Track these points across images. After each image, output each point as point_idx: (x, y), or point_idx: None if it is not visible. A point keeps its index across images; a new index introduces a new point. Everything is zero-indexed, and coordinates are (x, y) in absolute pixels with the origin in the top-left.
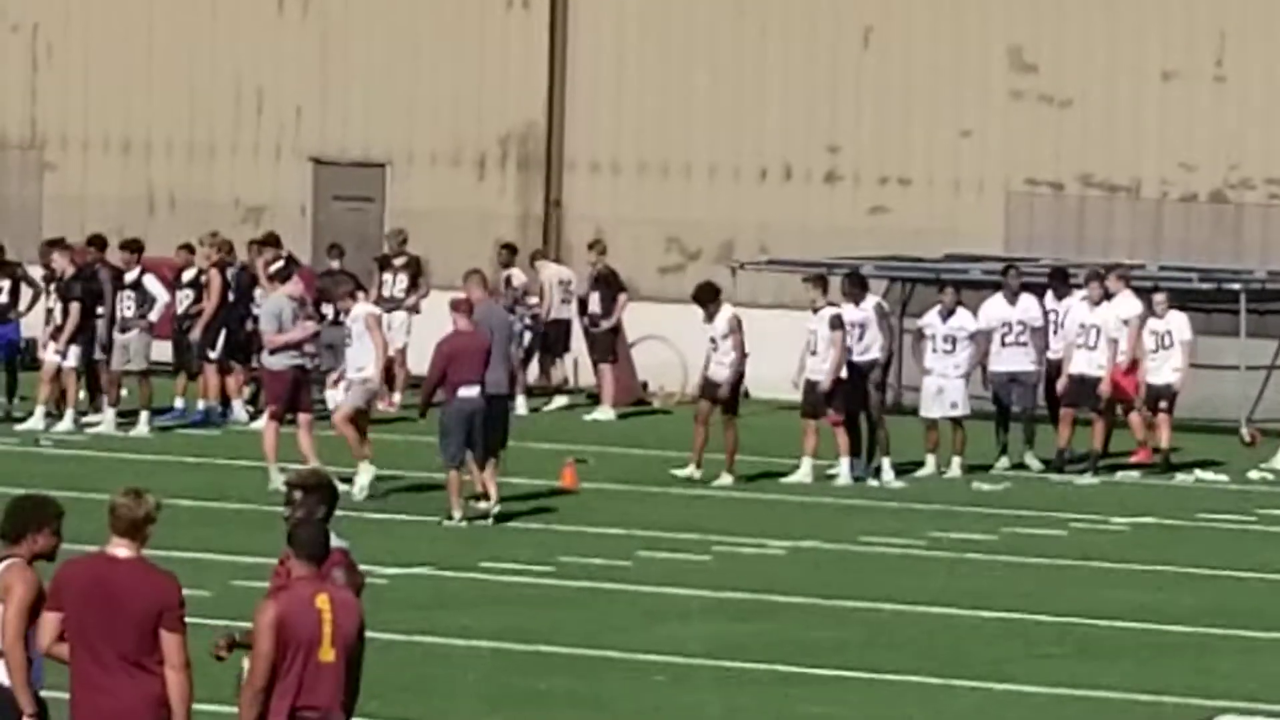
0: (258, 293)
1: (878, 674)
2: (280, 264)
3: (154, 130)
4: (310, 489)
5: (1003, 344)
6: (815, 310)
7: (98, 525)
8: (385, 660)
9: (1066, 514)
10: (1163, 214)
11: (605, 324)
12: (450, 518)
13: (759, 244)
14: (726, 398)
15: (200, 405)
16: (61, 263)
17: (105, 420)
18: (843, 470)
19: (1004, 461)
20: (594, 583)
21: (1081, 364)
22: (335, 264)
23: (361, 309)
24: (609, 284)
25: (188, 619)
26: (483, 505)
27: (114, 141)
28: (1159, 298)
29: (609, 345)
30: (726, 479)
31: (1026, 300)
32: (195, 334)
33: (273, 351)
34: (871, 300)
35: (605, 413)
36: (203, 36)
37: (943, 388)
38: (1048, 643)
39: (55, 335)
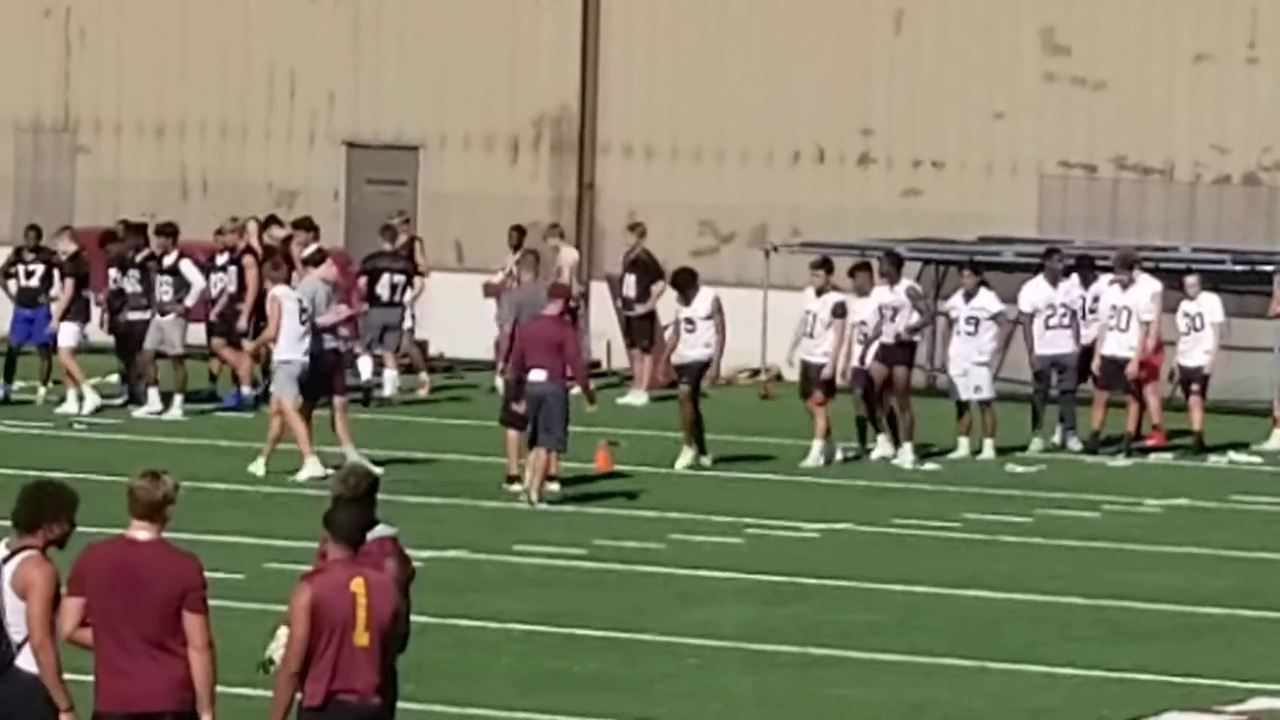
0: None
1: (911, 656)
2: (313, 248)
3: (187, 114)
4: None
5: (1046, 326)
6: (819, 293)
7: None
8: (419, 643)
9: (1099, 496)
10: (1196, 196)
11: (640, 308)
12: (535, 499)
13: (792, 227)
14: (695, 376)
15: (246, 389)
16: (64, 244)
17: (149, 403)
18: (813, 452)
19: (1038, 443)
20: (627, 565)
21: (1114, 346)
22: (388, 245)
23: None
24: (646, 268)
25: (219, 601)
26: (515, 488)
27: (147, 125)
28: (1191, 280)
29: (645, 330)
30: (688, 456)
31: (1068, 283)
32: (242, 321)
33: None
34: (905, 283)
35: (639, 396)
36: (236, 20)
37: (966, 371)
38: (1081, 625)
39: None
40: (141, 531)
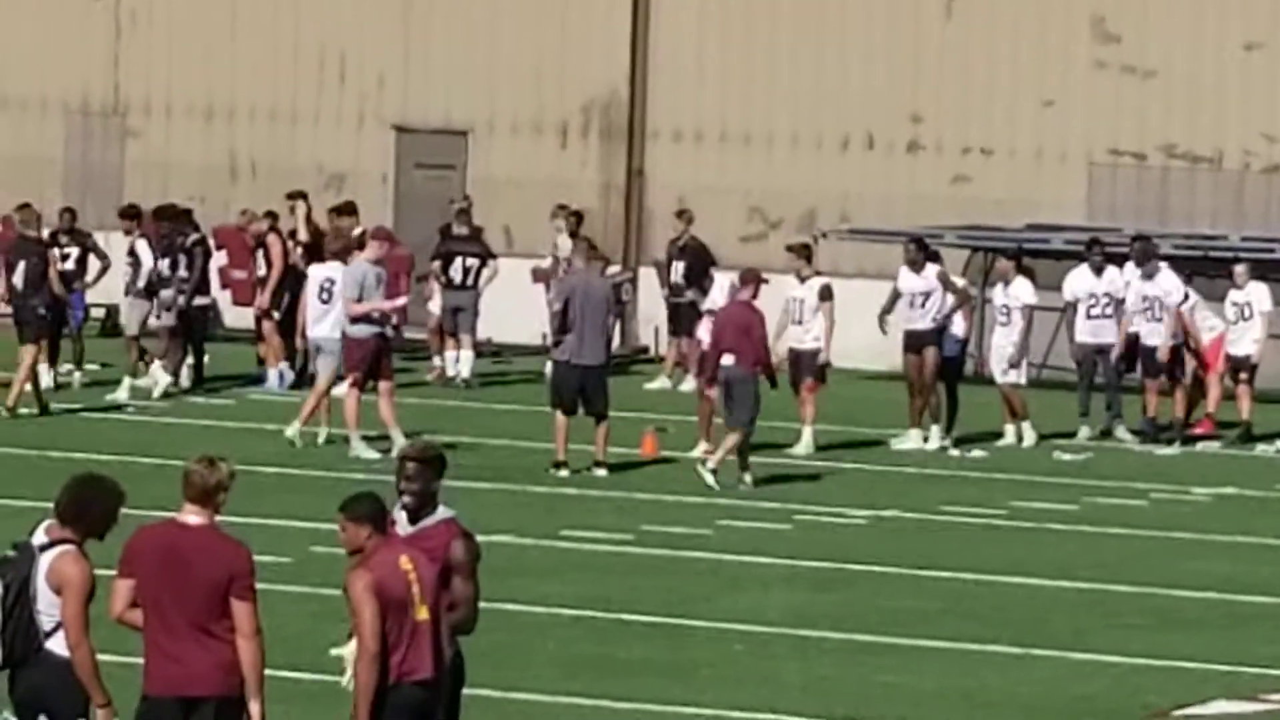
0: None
1: (957, 643)
2: (359, 231)
3: (237, 97)
4: (425, 461)
5: (1088, 316)
6: (802, 279)
7: (176, 490)
8: None
9: (1147, 484)
10: (1245, 184)
11: (689, 295)
12: (743, 481)
13: (841, 213)
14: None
15: (271, 370)
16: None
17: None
18: (805, 439)
19: (1085, 431)
20: (674, 551)
21: (1151, 335)
22: (465, 230)
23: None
24: (695, 255)
25: (266, 585)
26: (563, 473)
27: (197, 108)
28: (1240, 269)
29: (692, 317)
30: (703, 446)
31: (1111, 272)
32: (263, 299)
33: (354, 320)
34: (934, 269)
35: (684, 383)
36: (286, 3)
37: (1003, 356)
38: (1127, 612)
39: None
40: (193, 516)
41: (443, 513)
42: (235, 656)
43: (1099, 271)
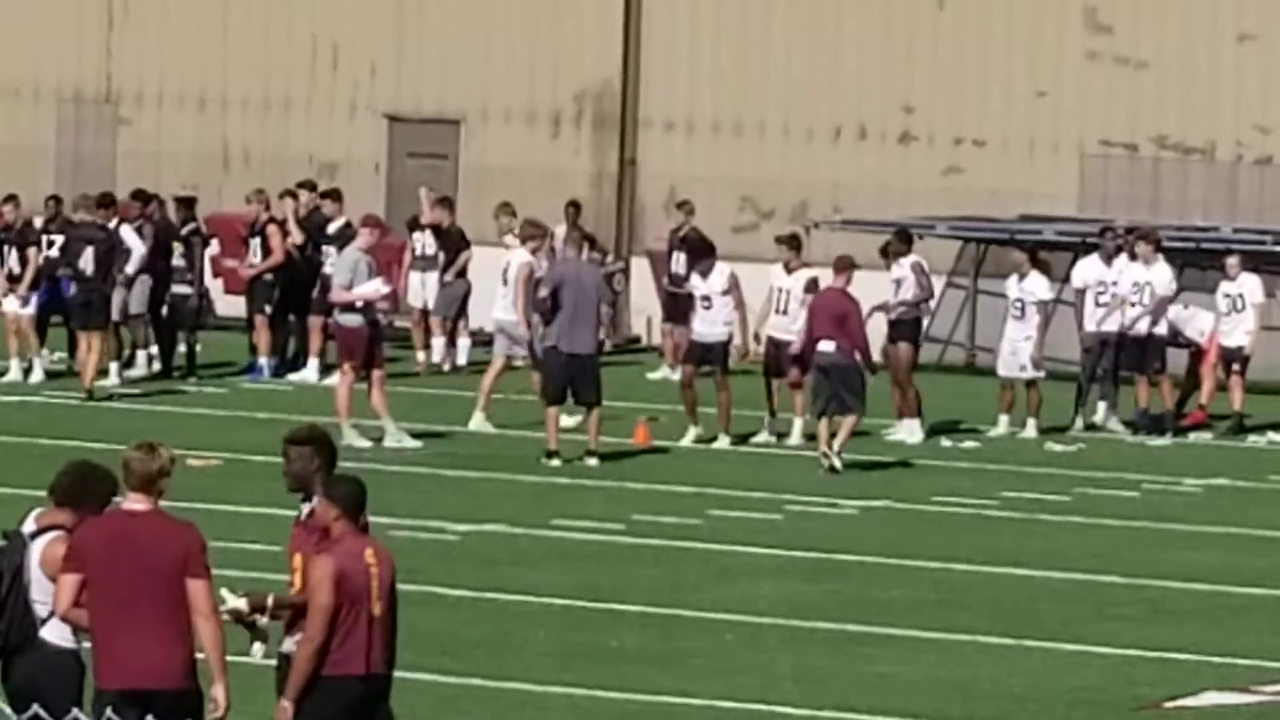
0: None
1: (949, 634)
2: (342, 221)
3: (229, 86)
4: (302, 442)
5: (1096, 304)
6: (789, 270)
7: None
8: (457, 616)
9: (1139, 475)
10: (1237, 176)
11: (688, 286)
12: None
13: (833, 204)
14: (722, 358)
15: (262, 360)
16: (13, 214)
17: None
18: (795, 431)
19: (1079, 422)
20: (666, 541)
21: (1138, 324)
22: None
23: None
24: (695, 246)
25: (257, 574)
26: (555, 462)
27: (189, 97)
28: (1232, 260)
29: (690, 307)
30: (724, 440)
31: (1121, 261)
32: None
33: (344, 308)
34: (911, 258)
35: (677, 372)
36: None
37: (1016, 350)
38: (1119, 604)
39: (12, 285)
40: (138, 504)
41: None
42: (190, 650)
43: (1110, 259)
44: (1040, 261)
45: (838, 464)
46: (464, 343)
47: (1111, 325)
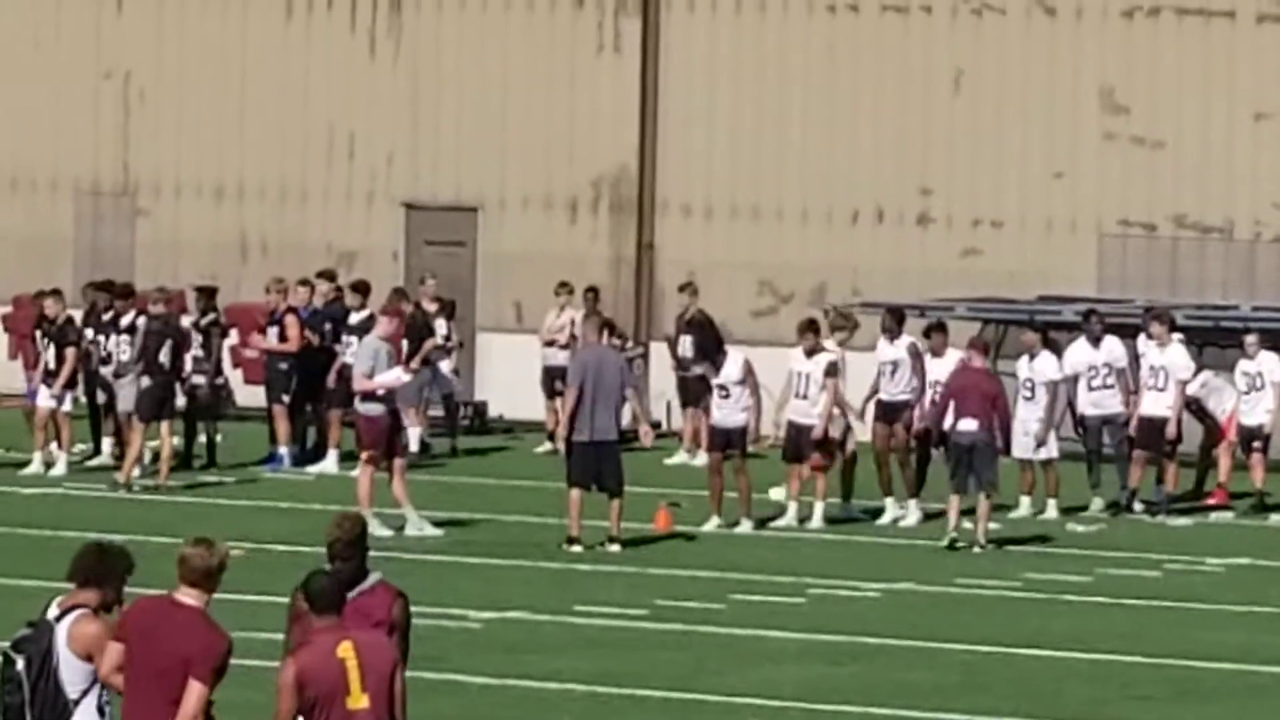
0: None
1: (973, 716)
2: (366, 313)
3: (246, 175)
4: (353, 542)
5: (1089, 388)
6: (809, 354)
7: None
8: (479, 704)
9: (1161, 555)
10: (1256, 254)
11: (696, 370)
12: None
13: (851, 287)
14: (740, 443)
15: (282, 450)
16: (55, 309)
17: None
18: (817, 515)
19: (1098, 503)
20: (688, 625)
21: (1151, 406)
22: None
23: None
24: (702, 328)
25: (273, 662)
26: (576, 549)
27: (206, 187)
28: (1251, 339)
29: (701, 391)
30: (746, 525)
31: (1110, 343)
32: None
33: (365, 397)
34: (906, 340)
35: (699, 457)
36: (295, 82)
37: (1028, 430)
38: (1143, 684)
39: (47, 379)
40: (189, 598)
41: (374, 577)
42: None
43: (1096, 342)
44: (1051, 342)
45: (983, 542)
46: (414, 430)
47: (1110, 406)
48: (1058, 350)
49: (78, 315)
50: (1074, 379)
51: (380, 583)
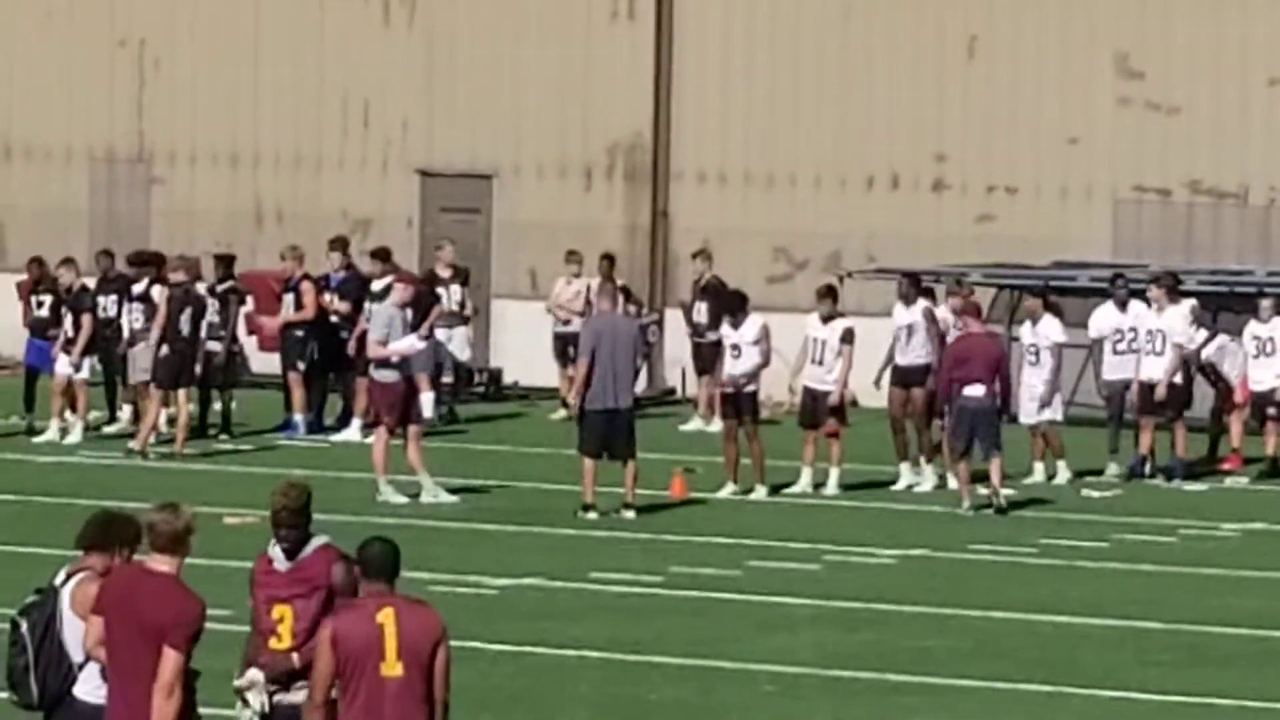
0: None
1: (988, 682)
2: (387, 280)
3: (261, 143)
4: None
5: (1114, 352)
6: (825, 320)
7: (202, 536)
8: (495, 671)
9: (1176, 520)
10: (1270, 220)
11: (711, 336)
12: (961, 505)
13: (866, 253)
14: (752, 410)
15: (297, 417)
16: (69, 277)
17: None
18: (832, 481)
19: (1113, 468)
20: (703, 592)
21: (1150, 369)
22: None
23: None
24: (716, 295)
25: None
26: (591, 515)
27: (221, 155)
28: (1265, 303)
29: (714, 357)
30: (761, 491)
31: (1136, 307)
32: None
33: (380, 364)
34: (922, 304)
35: (714, 424)
36: (309, 49)
37: (1034, 395)
38: (1158, 649)
39: (66, 348)
40: (161, 565)
41: (316, 541)
42: (183, 708)
43: (1123, 306)
44: (1053, 305)
45: (1003, 503)
46: (428, 397)
47: (1133, 372)
48: (1060, 314)
49: (91, 283)
50: (1099, 342)
51: (321, 546)
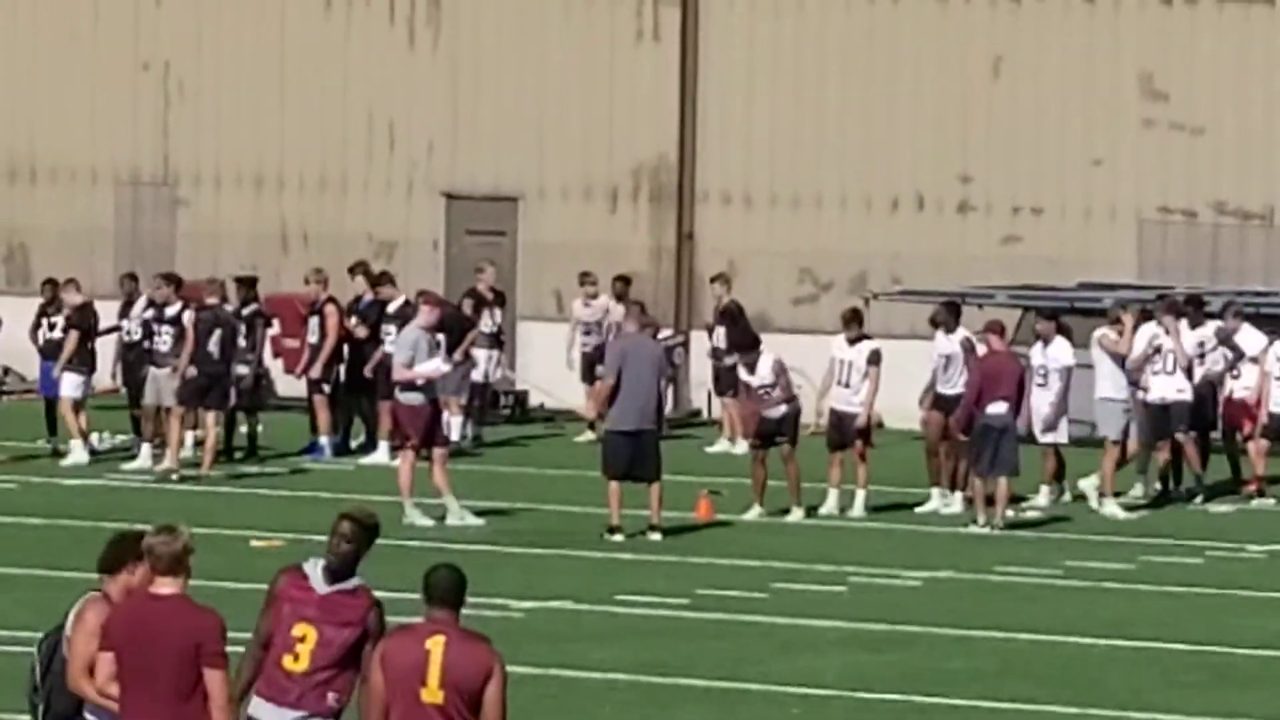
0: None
1: (1014, 704)
2: (400, 300)
3: (286, 166)
4: (364, 526)
5: (1153, 372)
6: (851, 342)
7: (229, 559)
8: (521, 694)
9: (1203, 541)
10: None
11: (729, 360)
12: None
13: (891, 274)
14: (792, 432)
15: (323, 440)
16: (73, 297)
17: (141, 455)
18: (858, 503)
19: (1139, 489)
20: (729, 614)
21: (1160, 391)
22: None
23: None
24: (735, 319)
25: None
26: (617, 538)
27: (246, 177)
28: None
29: (733, 380)
30: (797, 513)
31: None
32: (315, 370)
33: (405, 387)
34: (961, 333)
35: (739, 445)
36: (334, 71)
37: (1040, 417)
38: (1184, 671)
39: (68, 368)
40: (164, 587)
41: (356, 580)
42: None
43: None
44: (1064, 328)
45: (1000, 526)
46: (455, 420)
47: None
48: (1070, 336)
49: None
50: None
51: (363, 586)
